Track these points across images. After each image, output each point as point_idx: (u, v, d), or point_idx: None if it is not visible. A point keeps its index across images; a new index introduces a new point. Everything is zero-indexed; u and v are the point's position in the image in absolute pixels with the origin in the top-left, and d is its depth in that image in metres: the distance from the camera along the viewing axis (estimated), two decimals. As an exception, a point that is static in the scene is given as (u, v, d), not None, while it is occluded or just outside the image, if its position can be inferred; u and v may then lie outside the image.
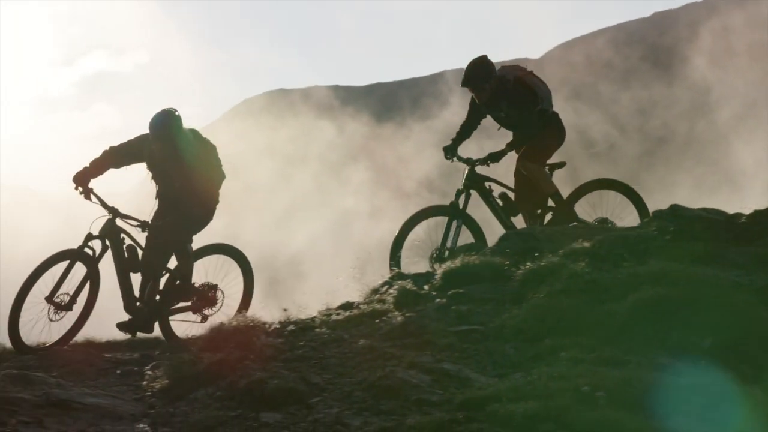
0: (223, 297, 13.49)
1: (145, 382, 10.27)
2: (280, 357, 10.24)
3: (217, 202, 13.17)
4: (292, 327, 11.68)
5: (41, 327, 12.32)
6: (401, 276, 12.79)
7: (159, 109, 12.46)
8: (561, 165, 14.13)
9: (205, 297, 13.31)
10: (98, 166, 12.70)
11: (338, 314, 11.92)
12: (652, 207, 13.27)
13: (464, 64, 13.82)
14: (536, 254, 11.78)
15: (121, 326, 12.75)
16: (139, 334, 12.86)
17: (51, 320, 12.38)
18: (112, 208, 12.81)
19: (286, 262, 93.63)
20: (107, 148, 12.73)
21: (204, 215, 13.05)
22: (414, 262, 13.86)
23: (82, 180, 12.61)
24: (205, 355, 9.98)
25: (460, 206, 13.99)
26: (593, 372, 8.55)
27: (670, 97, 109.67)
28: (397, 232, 14.04)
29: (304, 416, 8.63)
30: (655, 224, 12.19)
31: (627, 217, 13.98)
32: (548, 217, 14.09)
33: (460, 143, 14.28)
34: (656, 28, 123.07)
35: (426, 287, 12.02)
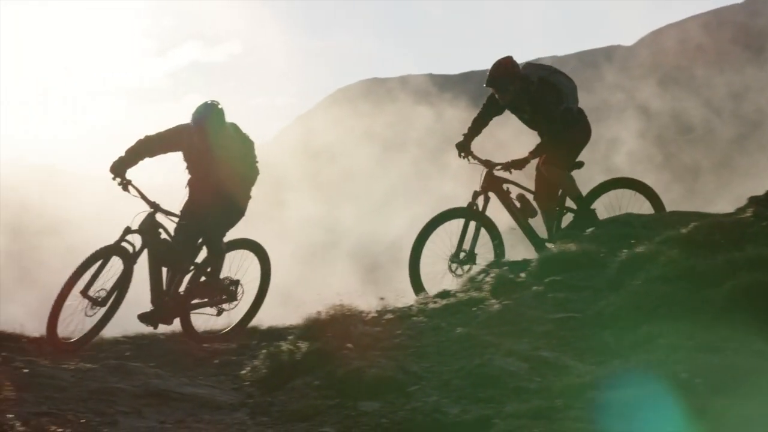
0: (243, 293, 13.17)
1: (243, 372, 10.37)
2: (378, 346, 10.29)
3: (249, 198, 12.93)
4: (389, 315, 11.74)
5: (77, 322, 12.04)
6: (498, 264, 12.77)
7: (205, 100, 12.36)
8: (579, 165, 13.77)
9: (227, 292, 13.03)
10: (134, 156, 12.39)
11: (435, 302, 11.95)
12: (747, 192, 12.96)
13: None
14: (632, 241, 11.68)
15: (142, 317, 12.39)
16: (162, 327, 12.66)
17: (87, 316, 12.10)
18: (153, 202, 12.48)
19: (385, 248, 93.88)
20: (142, 137, 12.44)
21: (237, 211, 12.80)
22: (430, 264, 13.56)
23: (120, 170, 12.31)
24: (302, 344, 10.04)
25: (479, 208, 13.69)
26: (691, 358, 8.46)
27: (764, 80, 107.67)
28: (413, 242, 13.70)
29: (403, 405, 8.67)
30: (752, 210, 12.00)
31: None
32: (567, 217, 13.83)
33: (472, 139, 14.03)
34: (748, 12, 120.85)
35: (523, 275, 12.00)
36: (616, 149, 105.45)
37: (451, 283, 12.88)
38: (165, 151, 12.49)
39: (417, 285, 13.31)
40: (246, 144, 12.69)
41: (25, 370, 9.92)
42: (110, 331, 12.37)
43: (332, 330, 10.37)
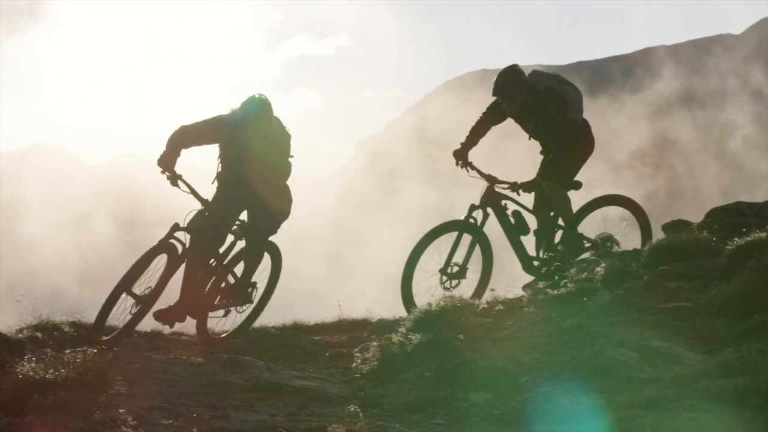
0: (257, 295, 12.30)
1: (353, 364, 10.42)
2: (489, 337, 10.35)
3: (289, 198, 12.08)
4: (500, 307, 11.79)
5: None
6: (608, 254, 12.71)
7: (252, 94, 11.68)
8: (577, 186, 13.24)
9: (246, 295, 12.22)
10: (173, 147, 11.58)
11: (546, 293, 11.95)
12: None
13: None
14: (743, 230, 11.56)
15: (157, 315, 11.51)
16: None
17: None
18: (204, 199, 11.78)
19: (502, 235, 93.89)
20: (178, 127, 11.67)
21: (282, 210, 12.02)
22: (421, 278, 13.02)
23: (168, 164, 11.52)
24: (413, 336, 10.10)
25: (477, 223, 13.18)
26: (805, 346, 8.39)
27: None
28: (408, 256, 13.09)
29: (514, 396, 8.72)
30: None
31: (633, 232, 13.28)
32: (558, 234, 13.30)
33: (471, 148, 13.41)
34: None
35: (633, 265, 11.94)
36: (731, 134, 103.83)
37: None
38: (199, 143, 11.74)
39: (408, 300, 12.74)
40: (287, 139, 12.03)
41: (137, 365, 10.11)
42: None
43: (443, 321, 10.42)
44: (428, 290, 12.74)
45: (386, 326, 11.90)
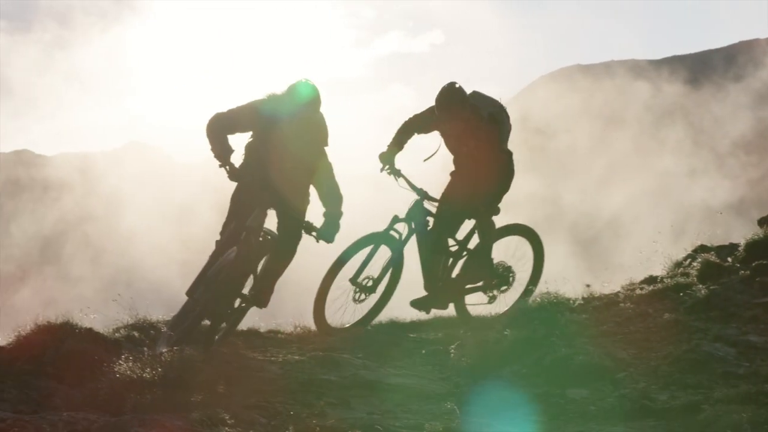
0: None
1: (450, 362, 10.39)
2: (585, 333, 10.34)
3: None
4: (596, 303, 11.81)
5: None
6: (704, 248, 12.66)
7: (300, 80, 10.83)
8: (497, 212, 12.37)
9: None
10: (216, 137, 10.67)
11: (642, 289, 11.95)
12: None
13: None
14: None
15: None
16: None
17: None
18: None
19: (605, 223, 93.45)
20: (213, 115, 10.74)
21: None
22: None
23: (224, 157, 10.65)
24: (509, 332, 10.16)
25: (400, 237, 12.22)
26: None
27: None
28: (324, 276, 12.08)
29: (610, 391, 8.77)
30: None
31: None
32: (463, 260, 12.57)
33: (397, 152, 12.23)
34: None
35: (729, 259, 11.90)
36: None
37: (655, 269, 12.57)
38: (232, 132, 10.74)
39: (320, 323, 12.04)
40: (323, 133, 11.14)
41: (234, 364, 10.16)
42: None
43: (539, 318, 10.44)
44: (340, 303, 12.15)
45: (483, 323, 11.91)
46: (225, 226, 10.92)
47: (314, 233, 10.83)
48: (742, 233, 12.96)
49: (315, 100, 10.74)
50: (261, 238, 10.67)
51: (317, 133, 10.93)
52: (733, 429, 7.17)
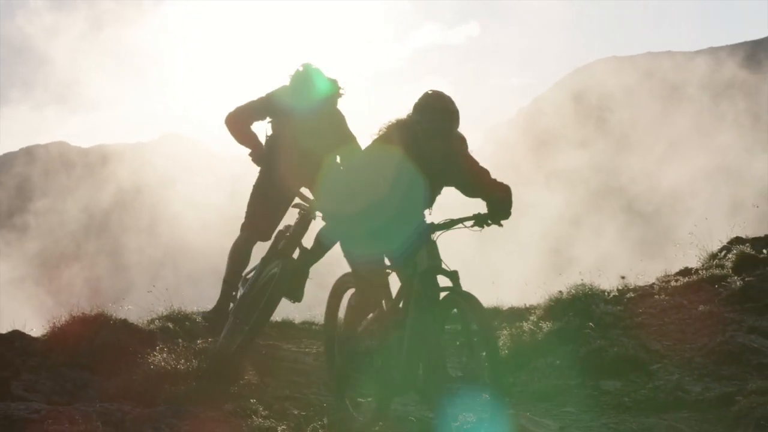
0: None
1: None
2: (620, 324, 10.36)
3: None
4: (630, 294, 11.78)
5: None
6: (740, 240, 12.61)
7: (297, 67, 9.84)
8: None
9: None
10: (243, 134, 9.94)
11: (677, 280, 11.91)
12: None
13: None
14: None
15: None
16: None
17: None
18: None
19: (664, 198, 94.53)
20: (232, 110, 9.95)
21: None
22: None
23: (251, 143, 9.93)
24: (544, 324, 10.19)
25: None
26: None
27: None
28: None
29: (644, 383, 8.76)
30: None
31: None
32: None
33: None
34: None
35: (765, 251, 11.84)
36: None
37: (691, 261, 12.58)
38: (261, 119, 9.98)
39: None
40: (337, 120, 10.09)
41: (268, 355, 10.25)
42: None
43: (574, 310, 10.45)
44: None
45: (517, 314, 11.90)
46: (249, 217, 9.95)
47: None
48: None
49: (333, 97, 9.86)
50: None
51: (333, 128, 9.88)
52: (767, 420, 7.14)
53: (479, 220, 7.14)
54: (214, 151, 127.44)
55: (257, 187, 10.04)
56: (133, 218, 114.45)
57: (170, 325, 10.87)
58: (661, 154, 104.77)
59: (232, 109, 9.92)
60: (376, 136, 7.32)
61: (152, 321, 10.96)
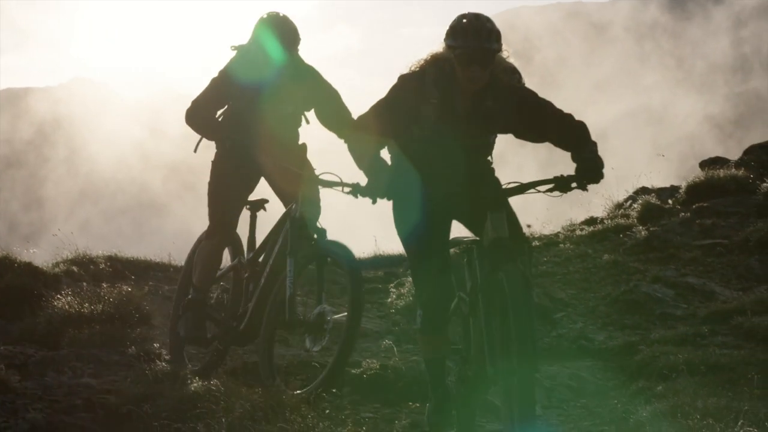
0: None
1: (389, 300, 10.31)
2: (524, 273, 10.33)
3: None
4: (536, 243, 11.80)
5: None
6: (645, 190, 12.69)
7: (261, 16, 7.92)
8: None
9: None
10: (205, 127, 8.02)
11: (582, 229, 11.96)
12: None
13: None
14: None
15: None
16: None
17: None
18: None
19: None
20: (189, 105, 8.02)
21: None
22: None
23: (216, 132, 8.08)
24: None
25: None
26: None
27: None
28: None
29: (548, 331, 8.78)
30: None
31: None
32: None
33: None
34: None
35: (670, 201, 11.93)
36: None
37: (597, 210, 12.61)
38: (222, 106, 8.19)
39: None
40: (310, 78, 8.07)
41: (172, 299, 10.03)
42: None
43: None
44: None
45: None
46: (217, 221, 8.04)
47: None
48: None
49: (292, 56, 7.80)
50: None
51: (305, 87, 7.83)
52: (669, 370, 7.16)
53: (560, 184, 5.75)
54: (123, 95, 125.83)
55: (217, 178, 8.03)
56: (49, 158, 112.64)
57: (75, 268, 10.63)
58: (587, 94, 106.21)
59: (188, 104, 8.03)
60: (407, 72, 6.14)
61: (57, 264, 10.75)
